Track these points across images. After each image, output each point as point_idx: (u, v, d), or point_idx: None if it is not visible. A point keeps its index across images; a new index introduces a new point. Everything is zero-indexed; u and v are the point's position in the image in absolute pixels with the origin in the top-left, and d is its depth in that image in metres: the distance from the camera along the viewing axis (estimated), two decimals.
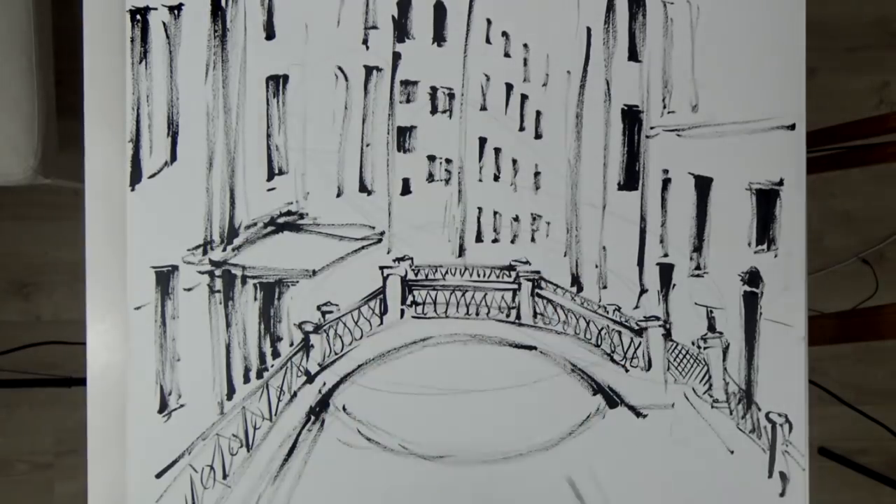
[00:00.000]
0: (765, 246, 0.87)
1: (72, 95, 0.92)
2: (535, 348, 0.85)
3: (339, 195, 0.84)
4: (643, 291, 0.87)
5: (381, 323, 0.84)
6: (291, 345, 0.83)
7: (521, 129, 0.86)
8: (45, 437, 1.59)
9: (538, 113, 0.86)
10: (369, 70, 0.84)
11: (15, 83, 1.13)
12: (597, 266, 0.86)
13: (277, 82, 0.84)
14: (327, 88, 0.84)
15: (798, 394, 0.87)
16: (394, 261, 0.84)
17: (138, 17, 0.82)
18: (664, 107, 0.87)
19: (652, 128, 0.87)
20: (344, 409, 0.83)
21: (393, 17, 0.85)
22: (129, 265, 0.82)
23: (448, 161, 0.85)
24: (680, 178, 0.87)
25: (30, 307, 1.60)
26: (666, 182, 0.87)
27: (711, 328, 0.87)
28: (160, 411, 0.82)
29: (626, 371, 0.86)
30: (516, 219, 0.86)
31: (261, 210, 0.83)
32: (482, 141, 0.86)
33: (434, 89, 0.85)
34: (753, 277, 0.87)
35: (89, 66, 0.84)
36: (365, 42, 0.85)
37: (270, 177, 0.84)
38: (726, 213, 0.87)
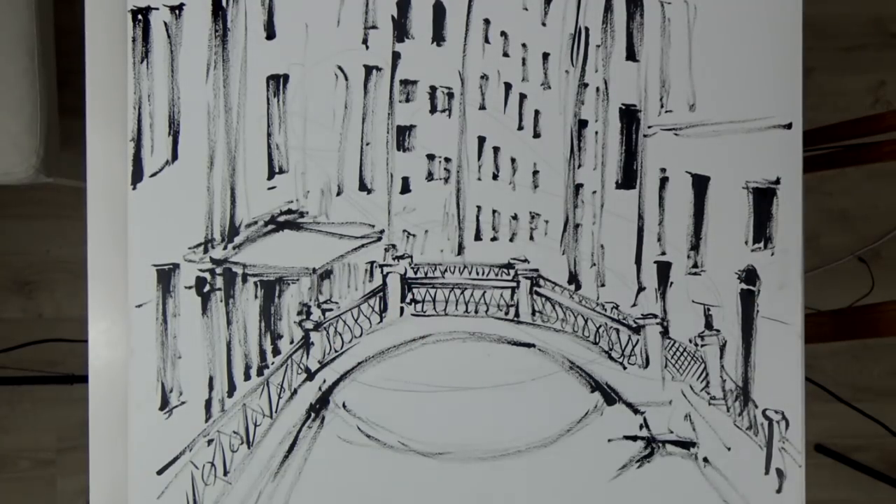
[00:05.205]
0: (762, 244, 0.88)
1: (74, 95, 0.92)
2: (533, 346, 0.86)
3: (339, 194, 0.85)
4: (641, 289, 0.87)
5: (381, 321, 0.85)
6: (292, 342, 0.84)
7: (520, 127, 0.86)
8: (48, 433, 1.60)
9: (537, 112, 0.87)
10: (369, 69, 0.85)
11: (17, 82, 1.13)
12: (595, 264, 0.87)
13: (278, 82, 0.84)
14: (327, 88, 0.85)
15: (795, 391, 0.88)
16: (393, 259, 0.85)
17: (140, 16, 0.83)
18: (662, 106, 0.88)
19: (650, 127, 0.87)
20: (344, 406, 0.84)
21: (392, 17, 0.85)
22: (130, 263, 0.82)
23: (447, 160, 0.86)
24: (677, 177, 0.87)
25: (31, 305, 1.61)
26: (663, 181, 0.87)
27: (709, 326, 0.87)
28: (161, 408, 0.82)
29: (624, 368, 0.86)
30: (515, 217, 0.86)
31: (261, 208, 0.84)
32: (481, 140, 0.86)
33: (433, 88, 0.86)
34: (750, 275, 0.88)
35: (91, 66, 0.84)
36: (365, 42, 0.85)
37: (271, 175, 0.84)
38: (723, 211, 0.87)
